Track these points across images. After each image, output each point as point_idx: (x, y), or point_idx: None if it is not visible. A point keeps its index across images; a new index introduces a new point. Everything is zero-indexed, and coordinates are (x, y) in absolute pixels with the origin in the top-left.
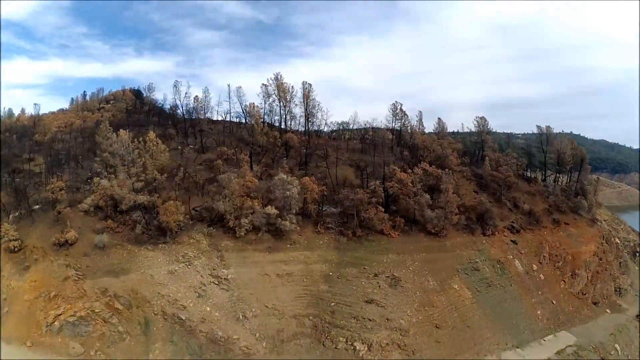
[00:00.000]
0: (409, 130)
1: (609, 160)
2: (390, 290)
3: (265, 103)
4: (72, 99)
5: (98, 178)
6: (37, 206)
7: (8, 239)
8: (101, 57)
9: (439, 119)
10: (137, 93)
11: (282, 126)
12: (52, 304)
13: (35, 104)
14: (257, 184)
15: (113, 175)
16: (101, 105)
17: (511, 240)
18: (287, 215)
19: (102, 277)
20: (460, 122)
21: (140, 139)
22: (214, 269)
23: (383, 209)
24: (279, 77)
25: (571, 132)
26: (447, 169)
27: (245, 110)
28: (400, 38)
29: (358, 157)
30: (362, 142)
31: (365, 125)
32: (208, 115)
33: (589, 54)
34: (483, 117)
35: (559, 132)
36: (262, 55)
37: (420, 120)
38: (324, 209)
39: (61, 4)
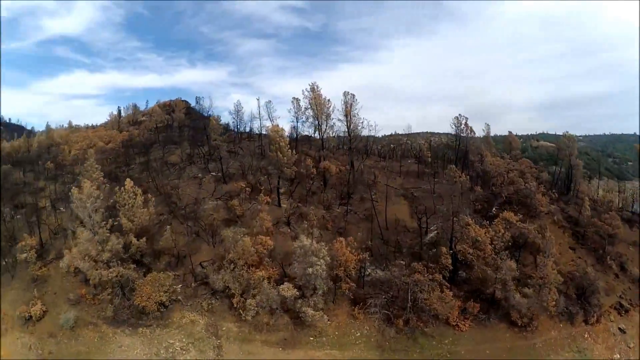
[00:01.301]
0: (472, 144)
1: None
2: None
3: (297, 121)
4: (119, 110)
5: (82, 229)
6: (25, 254)
7: None
8: (156, 68)
9: (509, 132)
10: (175, 106)
11: (322, 142)
12: None
13: (29, 130)
14: (272, 246)
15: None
16: (141, 119)
17: (618, 329)
18: (311, 298)
19: None
20: (515, 124)
21: (117, 188)
22: None
23: (449, 287)
24: (316, 87)
25: (635, 133)
26: (536, 219)
27: (268, 132)
28: (446, 38)
29: (414, 184)
30: (418, 162)
31: (420, 131)
32: (246, 130)
33: None
34: (567, 132)
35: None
36: (310, 62)
37: (487, 137)
38: (366, 273)
39: (113, 20)
